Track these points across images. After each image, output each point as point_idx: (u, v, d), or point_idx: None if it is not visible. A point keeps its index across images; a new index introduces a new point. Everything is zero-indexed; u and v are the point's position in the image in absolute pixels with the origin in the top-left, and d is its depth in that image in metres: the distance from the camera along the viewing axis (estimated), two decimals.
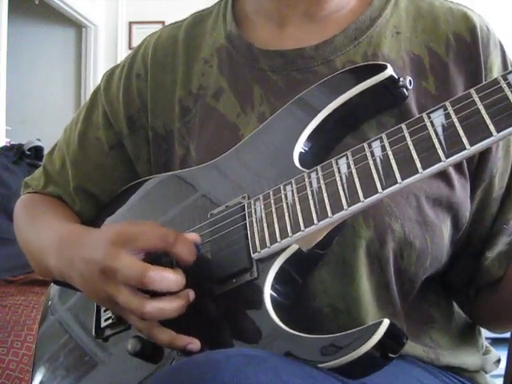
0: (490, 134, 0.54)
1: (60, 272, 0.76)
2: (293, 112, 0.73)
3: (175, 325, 0.65)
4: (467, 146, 0.55)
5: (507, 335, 0.94)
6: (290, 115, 0.73)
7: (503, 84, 0.55)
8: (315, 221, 0.62)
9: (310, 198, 0.64)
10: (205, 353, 0.57)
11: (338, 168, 0.63)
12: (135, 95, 0.87)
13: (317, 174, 0.65)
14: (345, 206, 0.61)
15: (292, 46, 0.79)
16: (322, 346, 0.57)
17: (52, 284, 0.93)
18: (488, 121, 0.54)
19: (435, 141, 0.57)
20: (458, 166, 0.73)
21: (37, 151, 2.29)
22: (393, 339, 0.55)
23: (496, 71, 0.75)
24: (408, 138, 0.59)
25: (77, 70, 5.24)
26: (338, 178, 0.63)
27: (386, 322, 0.55)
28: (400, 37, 0.76)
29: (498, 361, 0.88)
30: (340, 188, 0.62)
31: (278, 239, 0.64)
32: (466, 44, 0.75)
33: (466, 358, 0.79)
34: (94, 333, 0.78)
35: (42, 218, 0.88)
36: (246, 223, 0.68)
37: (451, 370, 0.77)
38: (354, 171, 0.62)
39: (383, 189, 0.59)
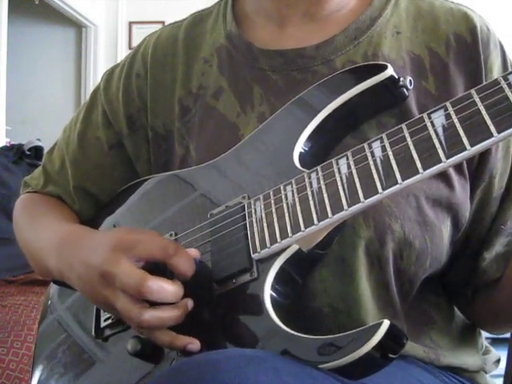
0: (491, 135, 0.54)
1: (59, 273, 0.76)
2: (293, 112, 0.73)
3: (175, 325, 0.64)
4: (468, 146, 0.55)
5: (507, 335, 0.94)
6: (290, 115, 0.73)
7: (504, 84, 0.55)
8: (315, 221, 0.62)
9: (310, 198, 0.64)
10: (205, 353, 0.57)
11: (339, 168, 0.63)
12: (135, 95, 0.87)
13: (317, 174, 0.65)
14: (345, 207, 0.61)
15: (292, 45, 0.79)
16: (322, 346, 0.57)
17: (52, 283, 0.93)
18: (489, 121, 0.54)
19: (436, 141, 0.57)
20: (457, 167, 0.73)
21: (37, 151, 2.29)
22: (393, 340, 0.55)
23: (496, 71, 0.75)
24: (408, 139, 0.59)
25: (77, 70, 5.24)
26: (338, 179, 0.63)
27: (386, 323, 0.54)
28: (400, 37, 0.76)
29: (498, 361, 0.88)
30: (340, 188, 0.62)
31: (278, 239, 0.64)
32: (466, 44, 0.75)
33: (466, 359, 0.79)
34: (93, 333, 0.78)
35: (42, 218, 0.88)
36: (246, 223, 0.68)
37: (451, 370, 0.77)
38: (354, 171, 0.62)
39: (383, 189, 0.59)
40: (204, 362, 0.52)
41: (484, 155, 0.74)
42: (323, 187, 0.63)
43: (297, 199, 0.65)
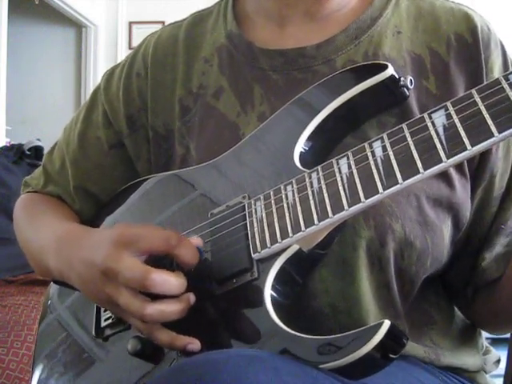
0: (492, 135, 0.54)
1: (59, 272, 0.76)
2: (293, 112, 0.73)
3: (175, 325, 0.64)
4: (468, 146, 0.55)
5: (507, 335, 0.94)
6: (291, 115, 0.73)
7: (505, 84, 0.55)
8: (316, 221, 0.62)
9: (311, 198, 0.64)
10: (205, 353, 0.57)
11: (339, 168, 0.63)
12: (135, 94, 0.87)
13: (317, 174, 0.65)
14: (345, 207, 0.61)
15: (292, 45, 0.79)
16: (322, 346, 0.57)
17: (51, 283, 0.93)
18: (489, 121, 0.54)
19: (436, 141, 0.57)
20: (458, 166, 0.73)
21: (37, 151, 2.29)
22: (393, 340, 0.55)
23: (497, 71, 0.75)
24: (409, 139, 0.59)
25: (77, 70, 5.24)
26: (338, 179, 0.62)
27: (387, 323, 0.54)
28: (401, 36, 0.76)
29: (498, 361, 0.88)
30: (341, 188, 0.62)
31: (279, 239, 0.64)
32: (467, 44, 0.75)
33: (467, 359, 0.79)
34: (93, 332, 0.78)
35: (42, 218, 0.88)
36: (246, 223, 0.68)
37: (451, 370, 0.77)
38: (354, 171, 0.62)
39: (384, 189, 0.59)
40: (204, 362, 0.52)
41: (485, 155, 0.74)
42: (324, 187, 0.63)
43: (297, 199, 0.65)
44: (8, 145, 2.56)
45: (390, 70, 0.69)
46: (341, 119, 0.71)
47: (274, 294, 0.64)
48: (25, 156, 2.25)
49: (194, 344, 0.64)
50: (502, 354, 0.91)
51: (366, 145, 0.62)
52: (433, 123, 0.58)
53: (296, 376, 0.53)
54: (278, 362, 0.54)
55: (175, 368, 0.56)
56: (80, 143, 0.91)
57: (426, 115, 0.59)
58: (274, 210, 0.66)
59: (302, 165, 0.69)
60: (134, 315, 0.64)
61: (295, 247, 0.64)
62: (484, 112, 0.55)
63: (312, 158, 0.70)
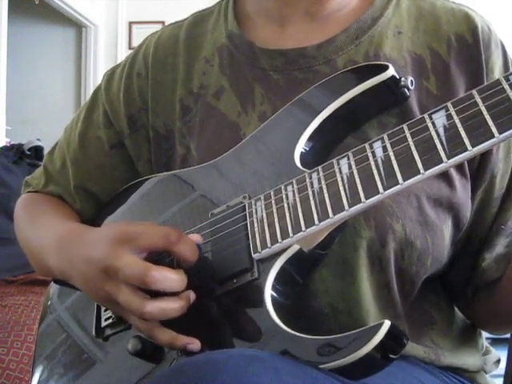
0: (492, 136, 0.54)
1: (60, 271, 0.76)
2: (294, 112, 0.73)
3: (175, 325, 0.64)
4: (469, 147, 0.55)
5: (507, 335, 0.94)
6: (291, 115, 0.73)
7: (505, 85, 0.55)
8: (316, 221, 0.62)
9: (311, 198, 0.64)
10: (205, 353, 0.57)
11: (340, 168, 0.63)
12: (136, 94, 0.87)
13: (318, 174, 0.65)
14: (346, 207, 0.61)
15: (293, 45, 0.79)
16: (323, 346, 0.57)
17: (52, 283, 0.93)
18: (490, 122, 0.54)
19: (437, 142, 0.57)
20: (458, 167, 0.73)
21: (37, 151, 2.29)
22: (394, 340, 0.55)
23: (497, 72, 0.75)
24: (410, 139, 0.59)
25: (77, 70, 5.24)
26: (339, 179, 0.62)
27: (387, 323, 0.54)
28: (402, 37, 0.76)
29: (498, 361, 0.88)
30: (341, 188, 0.62)
31: (279, 239, 0.64)
32: (468, 44, 0.75)
33: (467, 359, 0.79)
34: (94, 332, 0.78)
35: (43, 217, 0.88)
36: (246, 223, 0.68)
37: (452, 370, 0.77)
38: (355, 172, 0.62)
39: (384, 189, 0.59)
40: (204, 362, 0.52)
41: (485, 155, 0.74)
42: (324, 187, 0.63)
43: (298, 199, 0.65)
44: (8, 145, 2.56)
45: (391, 71, 0.69)
46: (341, 119, 0.71)
47: (275, 294, 0.64)
48: (25, 156, 2.25)
49: (194, 344, 0.64)
50: (502, 354, 0.91)
51: (367, 145, 0.62)
52: (433, 124, 0.58)
53: (296, 376, 0.53)
54: (278, 362, 0.54)
55: (175, 368, 0.56)
56: (81, 143, 0.91)
57: (426, 116, 0.59)
58: (275, 210, 0.66)
59: (302, 165, 0.69)
60: (134, 313, 0.64)
61: (296, 247, 0.64)
62: (485, 113, 0.55)
63: (312, 159, 0.70)
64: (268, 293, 0.63)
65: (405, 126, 0.60)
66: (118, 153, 0.89)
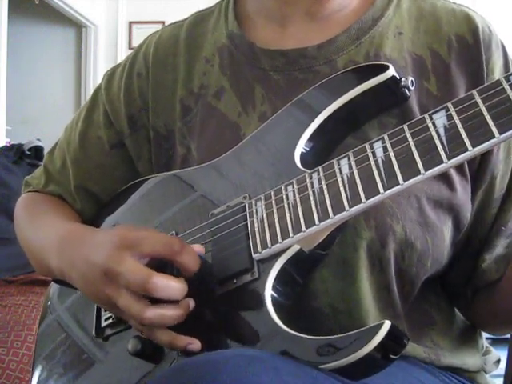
0: (493, 136, 0.54)
1: (60, 272, 0.76)
2: (294, 112, 0.73)
3: (176, 325, 0.64)
4: (469, 147, 0.55)
5: (507, 335, 0.94)
6: (292, 115, 0.73)
7: (506, 85, 0.55)
8: (316, 221, 0.62)
9: (312, 198, 0.64)
10: (205, 353, 0.57)
11: (340, 169, 0.63)
12: (136, 94, 0.87)
13: (318, 174, 0.65)
14: (346, 207, 0.61)
15: (294, 45, 0.79)
16: (323, 346, 0.57)
17: (52, 283, 0.93)
18: (490, 122, 0.54)
19: (437, 142, 0.57)
20: (459, 168, 0.73)
21: (37, 151, 2.29)
22: (394, 340, 0.55)
23: (498, 72, 0.75)
24: (410, 139, 0.59)
25: (77, 70, 5.24)
26: (339, 179, 0.63)
27: (388, 324, 0.54)
28: (402, 37, 0.76)
29: (498, 361, 0.88)
30: (341, 189, 0.62)
31: (280, 240, 0.64)
32: (468, 45, 0.75)
33: (467, 359, 0.79)
34: (94, 332, 0.78)
35: (43, 217, 0.88)
36: (247, 223, 0.68)
37: (452, 370, 0.77)
38: (355, 172, 0.62)
39: (385, 190, 0.59)
40: (204, 362, 0.52)
41: (485, 156, 0.74)
42: (324, 187, 0.63)
43: (298, 199, 0.65)
44: (8, 145, 2.56)
45: (391, 71, 0.69)
46: (342, 120, 0.71)
47: (275, 295, 0.64)
48: (25, 156, 2.25)
49: (195, 344, 0.64)
50: (502, 354, 0.91)
51: (367, 145, 0.62)
52: (434, 124, 0.58)
53: (296, 376, 0.53)
54: (278, 362, 0.54)
55: (175, 368, 0.56)
56: (81, 143, 0.91)
57: (427, 116, 0.59)
58: (275, 211, 0.66)
59: (302, 165, 0.69)
60: (134, 318, 0.64)
61: (296, 247, 0.64)
62: (485, 113, 0.55)
63: (313, 159, 0.70)
64: (268, 293, 0.63)
65: (405, 126, 0.60)
66: (118, 153, 0.89)
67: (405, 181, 0.58)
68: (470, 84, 0.73)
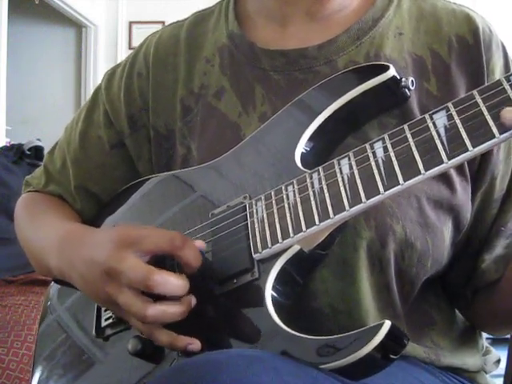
0: (493, 136, 0.54)
1: (60, 272, 0.76)
2: (294, 112, 0.73)
3: (176, 325, 0.64)
4: (470, 147, 0.55)
5: (507, 335, 0.94)
6: (292, 115, 0.73)
7: (506, 86, 0.55)
8: (317, 221, 0.62)
9: (312, 198, 0.64)
10: (205, 353, 0.57)
11: (340, 169, 0.63)
12: (137, 94, 0.87)
13: (318, 174, 0.65)
14: (346, 207, 0.61)
15: (294, 45, 0.79)
16: (323, 346, 0.57)
17: (52, 284, 0.93)
18: (491, 122, 0.54)
19: (437, 142, 0.57)
20: (459, 168, 0.73)
21: (37, 151, 2.28)
22: (394, 340, 0.55)
23: (498, 73, 0.75)
24: (410, 139, 0.59)
25: (77, 70, 5.24)
26: (339, 179, 0.63)
27: (388, 324, 0.55)
28: (402, 38, 0.76)
29: (498, 361, 0.88)
30: (342, 189, 0.62)
31: (280, 240, 0.64)
32: (468, 46, 0.75)
33: (467, 359, 0.79)
34: (94, 332, 0.78)
35: (43, 217, 0.88)
36: (247, 223, 0.68)
37: (452, 370, 0.77)
38: (355, 172, 0.62)
39: (385, 190, 0.59)
40: (205, 362, 0.52)
41: (485, 156, 0.74)
42: (325, 187, 0.63)
43: (298, 199, 0.65)
44: (8, 145, 2.56)
45: (392, 71, 0.69)
46: (342, 120, 0.71)
47: (275, 295, 0.64)
48: (25, 156, 2.24)
49: (195, 344, 0.64)
50: (502, 354, 0.91)
51: (368, 145, 0.62)
52: (434, 124, 0.58)
53: (296, 376, 0.53)
54: (278, 362, 0.54)
55: (175, 368, 0.56)
56: (81, 143, 0.91)
57: (427, 116, 0.59)
58: (275, 211, 0.66)
59: (303, 165, 0.69)
60: (136, 316, 0.64)
61: (296, 247, 0.64)
62: (485, 113, 0.55)
63: (313, 159, 0.70)
64: (268, 293, 0.63)
65: (405, 127, 0.60)
66: (118, 153, 0.89)
67: (405, 181, 0.58)
68: (471, 84, 0.73)
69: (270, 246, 0.65)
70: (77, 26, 5.19)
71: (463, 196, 0.73)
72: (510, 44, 0.81)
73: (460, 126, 0.56)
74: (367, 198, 0.60)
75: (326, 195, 0.63)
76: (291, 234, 0.64)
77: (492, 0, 4.28)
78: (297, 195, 0.65)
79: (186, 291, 0.64)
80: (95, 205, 0.92)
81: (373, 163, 0.61)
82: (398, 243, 0.69)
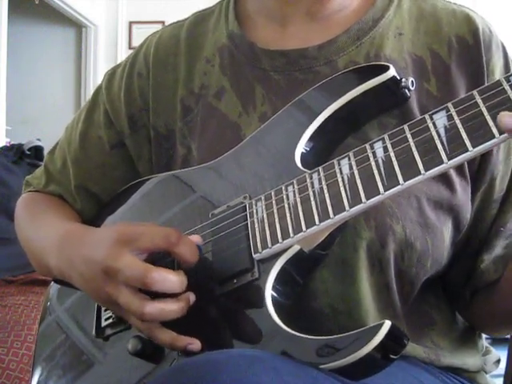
0: (493, 136, 0.54)
1: (60, 271, 0.76)
2: (294, 112, 0.73)
3: (176, 325, 0.64)
4: (469, 147, 0.55)
5: (507, 336, 0.94)
6: (292, 116, 0.73)
7: (506, 86, 0.55)
8: (317, 221, 0.62)
9: (312, 198, 0.64)
10: (205, 353, 0.57)
11: (340, 169, 0.63)
12: (137, 94, 0.87)
13: (318, 174, 0.65)
14: (346, 207, 0.61)
15: (294, 45, 0.79)
16: (323, 346, 0.57)
17: (51, 284, 0.93)
18: (491, 123, 0.54)
19: (437, 142, 0.57)
20: (459, 168, 0.73)
21: (37, 151, 2.28)
22: (394, 340, 0.55)
23: (498, 73, 0.75)
24: (410, 140, 0.59)
25: (77, 70, 5.24)
26: (339, 179, 0.63)
27: (388, 324, 0.55)
28: (402, 38, 0.76)
29: (498, 361, 0.88)
30: (342, 189, 0.62)
31: (280, 240, 0.64)
32: (468, 46, 0.75)
33: (467, 359, 0.79)
34: (94, 332, 0.78)
35: (43, 217, 0.88)
36: (247, 223, 0.68)
37: (452, 370, 0.77)
38: (355, 172, 0.62)
39: (385, 190, 0.59)
40: (205, 362, 0.52)
41: (485, 157, 0.74)
42: (325, 188, 0.63)
43: (298, 199, 0.65)
44: (8, 145, 2.56)
45: (392, 71, 0.69)
46: (342, 120, 0.71)
47: (275, 295, 0.64)
48: (25, 156, 2.24)
49: (195, 344, 0.64)
50: (502, 354, 0.91)
51: (368, 146, 0.62)
52: (434, 124, 0.58)
53: (296, 376, 0.53)
54: (278, 362, 0.54)
55: (175, 368, 0.56)
56: (81, 143, 0.91)
57: (427, 116, 0.59)
58: (275, 211, 0.66)
59: (303, 165, 0.69)
60: (134, 314, 0.64)
61: (296, 247, 0.64)
62: (485, 113, 0.55)
63: (313, 159, 0.70)
64: (268, 293, 0.64)
65: (405, 127, 0.60)
66: (118, 153, 0.89)
67: (405, 181, 0.58)
68: (471, 85, 0.73)
69: (270, 246, 0.65)
70: (77, 26, 5.19)
71: (463, 196, 0.73)
72: (510, 44, 0.81)
73: (460, 126, 0.56)
74: (367, 198, 0.60)
75: (326, 195, 0.63)
76: (291, 234, 0.64)
77: (492, 0, 4.28)
78: (297, 195, 0.65)
79: (184, 288, 0.64)
80: (95, 205, 0.92)
81: (373, 163, 0.61)
82: (397, 243, 0.69)
